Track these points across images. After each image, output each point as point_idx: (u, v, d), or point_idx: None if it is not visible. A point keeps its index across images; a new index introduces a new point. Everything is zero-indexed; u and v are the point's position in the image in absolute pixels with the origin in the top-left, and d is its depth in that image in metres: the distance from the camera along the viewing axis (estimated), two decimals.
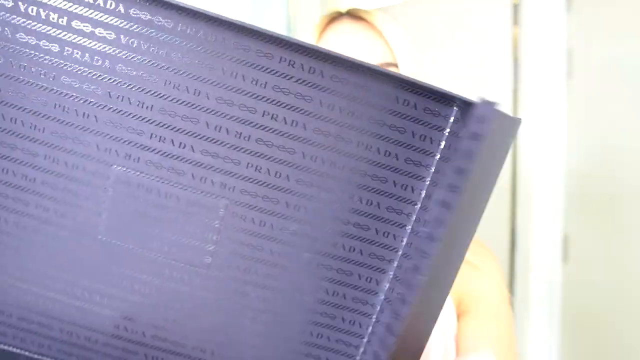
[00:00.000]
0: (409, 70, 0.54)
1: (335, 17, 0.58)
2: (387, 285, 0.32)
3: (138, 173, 0.30)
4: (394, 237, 0.32)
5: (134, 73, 0.29)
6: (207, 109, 0.29)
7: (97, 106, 0.29)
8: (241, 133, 0.30)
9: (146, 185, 0.30)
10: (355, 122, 0.30)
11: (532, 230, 1.62)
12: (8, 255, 0.32)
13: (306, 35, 0.59)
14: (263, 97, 0.29)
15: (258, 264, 0.32)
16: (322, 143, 0.30)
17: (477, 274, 0.60)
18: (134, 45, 0.29)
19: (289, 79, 0.29)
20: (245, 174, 0.30)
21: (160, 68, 0.29)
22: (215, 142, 0.30)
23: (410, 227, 0.31)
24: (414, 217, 0.31)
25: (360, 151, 0.30)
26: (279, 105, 0.29)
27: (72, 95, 0.29)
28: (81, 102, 0.29)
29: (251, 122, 0.30)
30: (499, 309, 0.58)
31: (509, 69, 1.70)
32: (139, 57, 0.29)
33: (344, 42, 0.55)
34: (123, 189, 0.30)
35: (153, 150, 0.30)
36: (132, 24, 0.29)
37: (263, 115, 0.29)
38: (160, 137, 0.30)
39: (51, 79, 0.29)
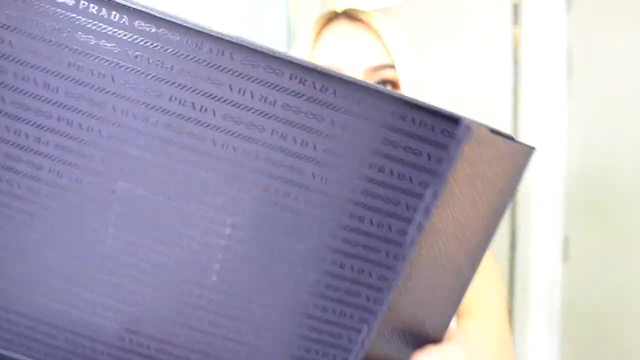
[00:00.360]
0: (406, 71, 0.54)
1: (332, 17, 0.58)
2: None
3: (144, 189, 0.30)
4: (387, 254, 0.30)
5: (139, 87, 0.28)
6: (214, 126, 0.29)
7: (100, 120, 0.29)
8: (249, 152, 0.29)
9: (152, 200, 0.30)
10: (365, 142, 0.29)
11: (532, 230, 1.62)
12: (15, 261, 0.32)
13: (304, 34, 0.58)
14: (272, 116, 0.29)
15: (261, 281, 0.31)
16: (333, 164, 0.29)
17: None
18: (139, 59, 0.28)
19: (299, 97, 0.28)
20: (253, 192, 0.29)
21: (166, 83, 0.28)
22: (221, 160, 0.29)
23: (398, 243, 0.30)
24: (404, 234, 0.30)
25: (367, 171, 0.29)
26: (288, 124, 0.29)
27: (75, 108, 0.29)
28: (85, 115, 0.29)
29: (259, 141, 0.29)
30: (496, 309, 0.58)
31: (509, 69, 1.70)
32: (144, 70, 0.28)
33: (341, 43, 0.55)
34: (130, 201, 0.30)
35: (160, 164, 0.29)
36: (137, 36, 0.28)
37: (272, 134, 0.29)
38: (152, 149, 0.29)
39: (56, 92, 0.29)
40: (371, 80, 0.53)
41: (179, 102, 0.29)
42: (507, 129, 1.71)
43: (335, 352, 0.32)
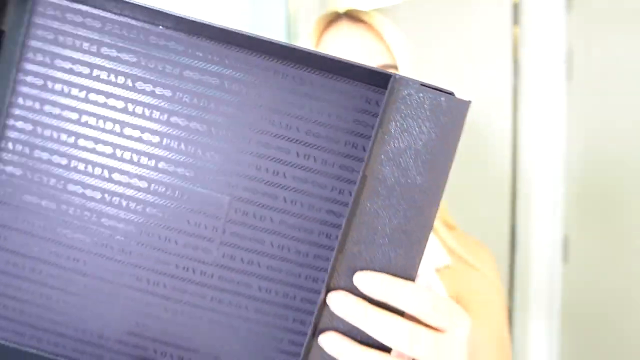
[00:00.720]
0: (408, 71, 0.54)
1: (334, 18, 0.58)
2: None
3: (155, 173, 0.34)
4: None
5: (157, 91, 0.34)
6: (216, 122, 0.34)
7: (123, 113, 0.34)
8: (243, 136, 0.34)
9: (162, 183, 0.34)
10: (338, 122, 0.34)
11: (532, 230, 1.62)
12: (28, 262, 0.35)
13: (306, 36, 0.58)
14: (261, 106, 0.34)
15: (261, 257, 0.35)
16: (313, 143, 0.34)
17: (475, 274, 0.60)
18: (158, 68, 0.34)
19: (282, 90, 0.34)
20: (246, 173, 0.34)
21: (176, 89, 0.34)
22: (220, 147, 0.34)
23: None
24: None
25: (342, 149, 0.34)
26: (275, 113, 0.34)
27: (95, 114, 0.34)
28: (112, 110, 0.34)
29: (254, 129, 0.34)
30: (495, 308, 0.58)
31: (509, 69, 1.70)
32: (154, 68, 0.33)
33: (344, 44, 0.55)
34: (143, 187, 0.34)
35: (168, 154, 0.34)
36: (153, 51, 0.34)
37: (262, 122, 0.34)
38: (174, 144, 0.34)
39: (78, 93, 0.34)
40: None
41: (189, 101, 0.34)
42: (506, 129, 1.71)
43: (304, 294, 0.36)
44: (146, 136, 0.34)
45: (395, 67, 0.54)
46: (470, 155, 1.77)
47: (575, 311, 1.51)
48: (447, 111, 0.31)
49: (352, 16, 0.57)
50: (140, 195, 0.35)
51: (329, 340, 0.30)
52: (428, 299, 0.28)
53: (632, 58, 1.24)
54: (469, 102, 0.31)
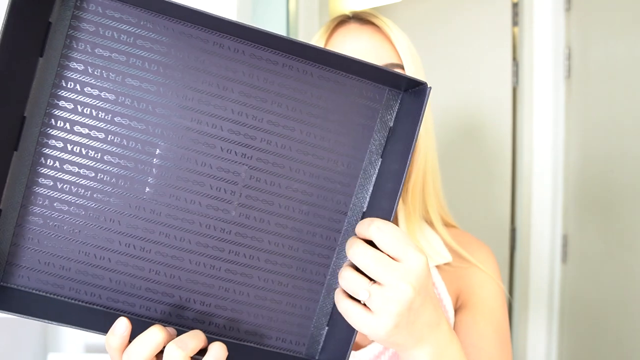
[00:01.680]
0: (413, 72, 0.56)
1: (343, 20, 0.60)
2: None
3: (181, 147, 0.40)
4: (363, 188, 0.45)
5: (179, 75, 0.40)
6: (233, 100, 0.41)
7: (153, 96, 0.40)
8: (256, 117, 0.41)
9: (186, 156, 0.41)
10: (335, 107, 0.43)
11: (531, 230, 1.62)
12: (68, 220, 0.40)
13: (313, 36, 0.60)
14: (272, 92, 0.41)
15: (270, 216, 0.43)
16: (313, 122, 0.42)
17: (475, 271, 0.60)
18: (181, 55, 0.40)
19: (289, 79, 0.42)
20: (259, 146, 0.42)
21: (198, 71, 0.40)
22: (238, 124, 0.41)
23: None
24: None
25: (339, 128, 0.43)
26: (283, 97, 0.42)
27: (133, 96, 0.40)
28: (141, 94, 0.40)
29: (264, 109, 0.41)
30: (495, 304, 0.59)
31: (509, 69, 1.70)
32: (185, 63, 0.40)
33: (352, 44, 0.57)
34: (168, 159, 0.41)
35: (192, 130, 0.41)
36: (172, 37, 0.40)
37: (272, 104, 0.41)
38: (199, 120, 0.41)
39: (119, 78, 0.40)
40: None
41: (209, 84, 0.40)
42: (506, 129, 1.71)
43: None
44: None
45: (402, 67, 0.55)
46: (470, 155, 1.78)
47: (575, 310, 1.52)
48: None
49: (360, 18, 0.59)
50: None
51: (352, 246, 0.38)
52: (389, 233, 0.36)
53: (630, 58, 1.25)
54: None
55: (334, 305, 0.44)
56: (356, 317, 0.37)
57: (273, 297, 0.43)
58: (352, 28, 0.58)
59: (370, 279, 0.37)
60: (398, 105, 0.43)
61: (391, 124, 0.44)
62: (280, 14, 1.75)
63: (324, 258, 0.44)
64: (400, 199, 0.63)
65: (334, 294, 0.44)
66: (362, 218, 0.44)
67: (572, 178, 1.55)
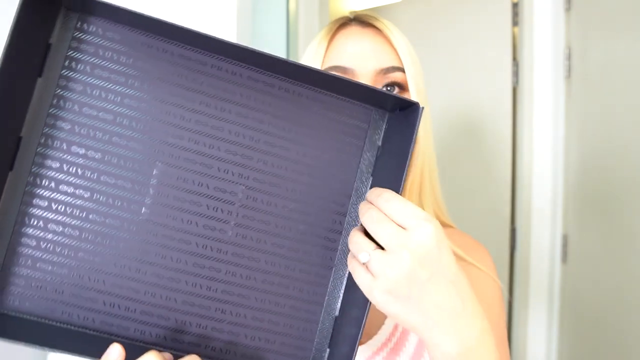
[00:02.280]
0: (413, 74, 0.57)
1: (344, 22, 0.60)
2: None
3: (178, 167, 0.40)
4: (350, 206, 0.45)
5: (178, 97, 0.41)
6: (230, 121, 0.41)
7: (150, 116, 0.40)
8: (253, 137, 0.42)
9: (183, 177, 0.40)
10: (326, 128, 0.44)
11: (531, 230, 1.62)
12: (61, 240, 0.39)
13: (315, 37, 0.61)
14: (268, 113, 0.42)
15: (267, 235, 0.42)
16: (307, 143, 0.43)
17: (471, 270, 0.61)
18: (183, 77, 0.40)
19: (285, 101, 0.43)
20: (256, 166, 0.42)
21: (196, 92, 0.41)
22: (235, 144, 0.42)
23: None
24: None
25: (332, 144, 0.44)
26: (278, 118, 0.43)
27: (131, 116, 0.40)
28: (139, 114, 0.40)
29: (260, 130, 0.42)
30: (493, 303, 0.59)
31: (509, 69, 1.70)
32: (182, 84, 0.40)
33: (353, 46, 0.57)
34: (165, 180, 0.40)
35: (189, 150, 0.41)
36: (179, 59, 0.41)
37: (268, 125, 0.42)
38: (196, 140, 0.41)
39: (113, 98, 0.40)
40: (381, 82, 0.56)
41: (206, 105, 0.41)
42: (506, 129, 1.71)
43: None
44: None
45: (402, 70, 0.56)
46: (470, 155, 1.78)
47: (574, 310, 1.52)
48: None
49: (361, 20, 0.60)
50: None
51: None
52: (396, 203, 0.37)
53: (630, 58, 1.25)
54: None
55: (335, 327, 0.44)
56: (359, 276, 0.37)
57: (270, 318, 0.43)
58: (354, 31, 0.58)
59: (378, 245, 0.37)
60: (386, 124, 0.44)
61: (379, 143, 0.44)
62: (280, 14, 1.76)
63: (321, 278, 0.44)
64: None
65: (333, 314, 0.44)
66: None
67: (572, 178, 1.55)
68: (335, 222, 0.44)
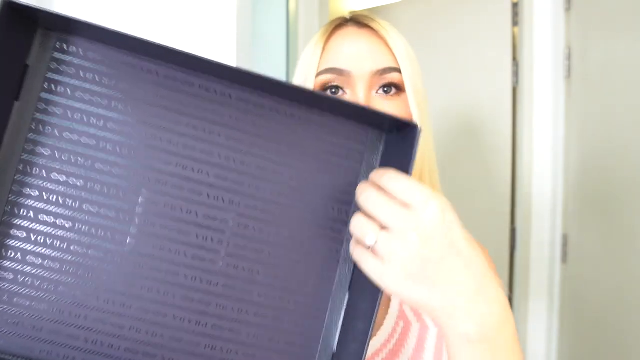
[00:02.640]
0: (410, 75, 0.56)
1: (341, 23, 0.60)
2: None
3: (165, 195, 0.38)
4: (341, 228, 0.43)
5: (164, 120, 0.38)
6: (219, 144, 0.39)
7: (135, 140, 0.38)
8: (244, 162, 0.39)
9: (171, 204, 0.38)
10: (321, 150, 0.41)
11: (531, 230, 1.62)
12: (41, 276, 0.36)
13: (312, 38, 0.60)
14: (259, 136, 0.40)
15: (260, 265, 0.39)
16: (301, 167, 0.41)
17: None
18: (169, 99, 0.38)
19: (277, 123, 0.40)
20: (248, 192, 0.39)
21: (183, 115, 0.38)
22: (225, 169, 0.39)
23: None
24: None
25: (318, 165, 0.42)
26: (270, 141, 0.40)
27: (114, 140, 0.37)
28: (123, 139, 0.37)
29: (251, 154, 0.39)
30: None
31: (509, 69, 1.70)
32: (169, 106, 0.38)
33: (349, 47, 0.57)
34: (151, 208, 0.37)
35: (177, 176, 0.38)
36: (170, 82, 0.38)
37: (259, 149, 0.40)
38: (184, 166, 0.38)
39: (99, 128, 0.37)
40: (378, 83, 0.56)
41: (194, 128, 0.38)
42: (506, 129, 1.71)
43: None
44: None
45: (398, 71, 0.55)
46: (470, 155, 1.78)
47: (574, 310, 1.52)
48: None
49: (358, 21, 0.59)
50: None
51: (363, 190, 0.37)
52: (401, 180, 0.35)
53: (630, 58, 1.25)
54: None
55: None
56: (368, 263, 0.35)
57: (263, 355, 0.39)
58: (350, 31, 0.58)
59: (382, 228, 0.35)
60: (383, 145, 0.42)
61: (377, 165, 0.42)
62: (280, 14, 1.76)
63: (318, 310, 0.41)
64: None
65: (331, 350, 0.41)
66: (355, 267, 0.41)
67: (572, 178, 1.55)
68: (333, 251, 0.41)
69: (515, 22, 1.70)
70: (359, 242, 0.36)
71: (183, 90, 0.38)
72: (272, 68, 1.73)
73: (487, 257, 0.63)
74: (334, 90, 0.56)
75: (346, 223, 0.41)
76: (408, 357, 0.55)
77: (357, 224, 0.36)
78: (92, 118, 0.37)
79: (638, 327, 1.18)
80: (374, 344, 0.56)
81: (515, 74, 1.70)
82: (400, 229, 0.34)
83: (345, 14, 0.62)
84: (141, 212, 0.37)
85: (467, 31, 1.78)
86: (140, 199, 0.37)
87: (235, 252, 0.39)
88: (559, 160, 1.59)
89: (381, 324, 0.57)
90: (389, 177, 0.36)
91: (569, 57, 1.56)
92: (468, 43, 1.77)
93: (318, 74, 0.56)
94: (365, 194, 0.36)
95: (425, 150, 0.60)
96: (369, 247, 0.35)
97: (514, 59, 1.70)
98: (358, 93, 0.55)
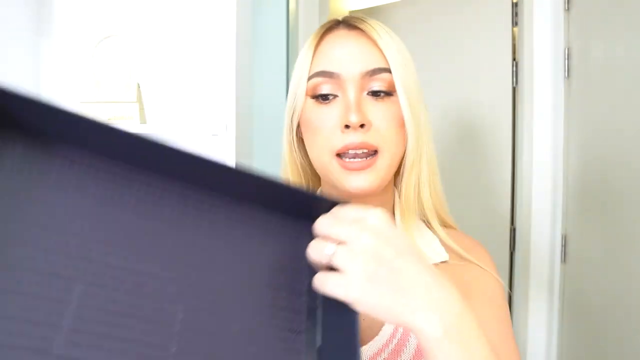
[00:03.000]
0: (401, 75, 0.56)
1: (332, 26, 0.61)
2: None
3: (104, 288, 0.33)
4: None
5: (103, 214, 0.35)
6: (162, 236, 0.37)
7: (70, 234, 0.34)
8: (187, 253, 0.37)
9: (112, 297, 0.33)
10: (268, 246, 0.41)
11: (531, 230, 1.62)
12: None
13: (306, 43, 0.61)
14: (198, 232, 0.38)
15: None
16: (252, 260, 0.40)
17: (471, 268, 0.61)
18: (108, 193, 0.36)
19: (217, 218, 0.39)
20: (198, 283, 0.37)
21: (124, 210, 0.36)
22: (174, 261, 0.36)
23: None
24: None
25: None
26: (211, 238, 0.39)
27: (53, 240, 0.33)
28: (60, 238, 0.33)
29: (196, 246, 0.38)
30: (493, 295, 0.59)
31: (509, 69, 1.71)
32: (109, 201, 0.36)
33: (339, 49, 0.57)
34: (89, 300, 0.33)
35: (118, 267, 0.34)
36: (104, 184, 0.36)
37: (200, 244, 0.38)
38: (125, 257, 0.35)
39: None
40: (367, 85, 0.56)
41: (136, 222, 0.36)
42: (506, 129, 1.71)
43: None
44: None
45: (389, 71, 0.55)
46: (470, 155, 1.78)
47: (574, 310, 1.52)
48: None
49: (348, 23, 0.60)
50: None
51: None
52: (346, 208, 0.39)
53: (630, 58, 1.25)
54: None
55: None
56: (329, 282, 0.36)
57: None
58: (340, 34, 0.59)
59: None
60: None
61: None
62: (280, 14, 1.76)
63: None
64: (396, 193, 0.63)
65: None
66: (319, 352, 0.40)
67: (572, 178, 1.55)
68: (288, 340, 0.39)
69: (515, 22, 1.70)
70: (320, 258, 0.38)
71: (123, 184, 0.36)
72: (272, 68, 1.73)
73: (488, 255, 0.63)
74: (323, 99, 0.56)
75: (300, 312, 0.40)
76: (410, 356, 0.55)
77: (314, 244, 0.38)
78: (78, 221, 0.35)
79: (638, 327, 1.18)
80: (376, 345, 0.56)
81: (515, 74, 1.70)
82: (353, 237, 0.36)
83: (345, 13, 0.63)
84: (74, 308, 0.32)
85: (466, 31, 1.78)
86: (75, 293, 0.33)
87: (186, 349, 0.35)
88: (559, 160, 1.59)
89: (382, 324, 0.57)
90: (330, 213, 0.39)
91: (568, 57, 1.56)
92: (468, 43, 1.77)
93: (309, 78, 0.57)
94: (319, 222, 0.39)
95: (424, 150, 0.60)
96: (328, 263, 0.37)
97: (514, 59, 1.70)
98: (349, 95, 0.55)
